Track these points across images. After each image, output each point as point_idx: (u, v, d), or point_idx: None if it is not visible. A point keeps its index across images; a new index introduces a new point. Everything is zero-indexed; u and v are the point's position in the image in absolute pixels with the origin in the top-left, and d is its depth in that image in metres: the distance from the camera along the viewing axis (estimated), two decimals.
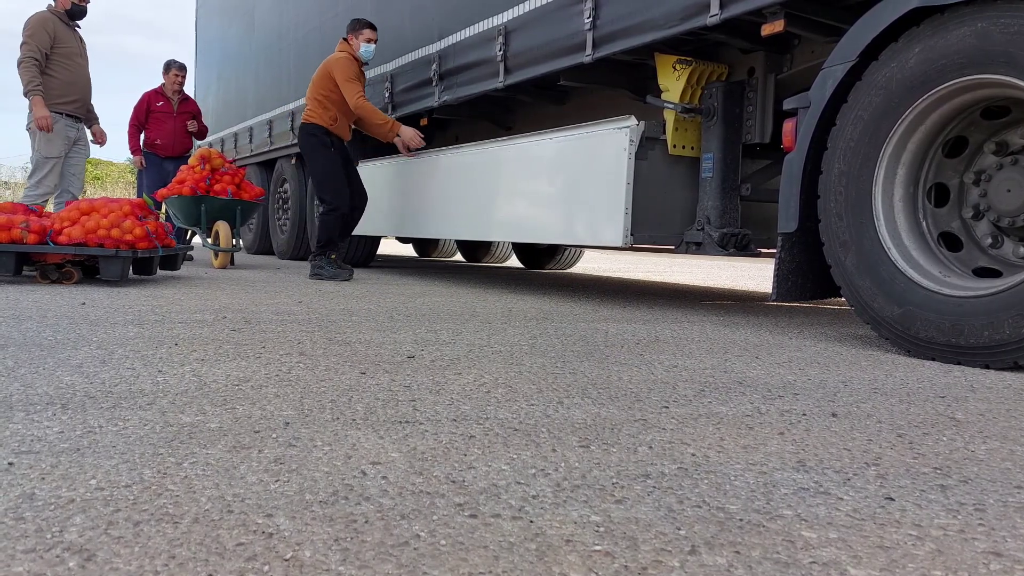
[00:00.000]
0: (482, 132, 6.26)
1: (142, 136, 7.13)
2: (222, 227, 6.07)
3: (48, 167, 5.39)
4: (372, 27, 5.32)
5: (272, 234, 8.64)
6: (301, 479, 1.09)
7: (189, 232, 6.98)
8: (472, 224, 4.94)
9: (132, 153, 7.19)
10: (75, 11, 5.40)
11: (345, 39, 5.36)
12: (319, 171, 5.27)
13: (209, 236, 6.25)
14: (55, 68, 5.36)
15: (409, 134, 5.19)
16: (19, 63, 5.29)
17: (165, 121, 7.05)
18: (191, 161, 6.28)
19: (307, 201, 7.62)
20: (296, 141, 6.45)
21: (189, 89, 15.30)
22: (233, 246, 6.11)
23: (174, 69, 7.10)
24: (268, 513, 0.96)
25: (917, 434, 1.49)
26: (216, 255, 6.20)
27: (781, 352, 2.53)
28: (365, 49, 5.30)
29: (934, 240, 2.58)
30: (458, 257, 10.64)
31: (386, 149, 6.06)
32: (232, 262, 6.35)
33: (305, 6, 7.62)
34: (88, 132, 5.85)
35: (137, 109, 7.09)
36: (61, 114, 5.44)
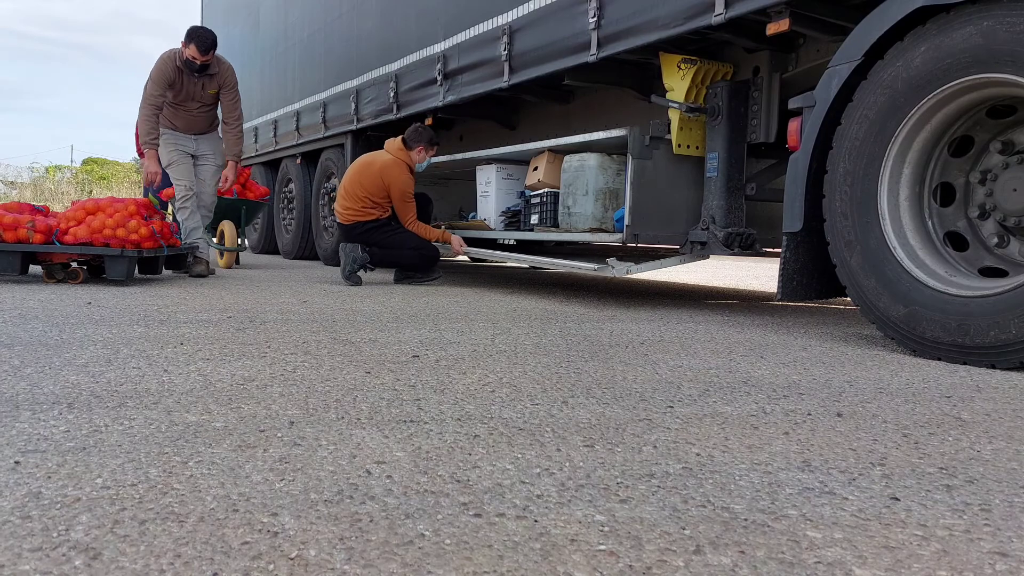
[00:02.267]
0: (487, 132, 6.26)
1: None
2: (227, 226, 6.08)
3: (173, 176, 5.09)
4: (436, 144, 5.09)
5: (277, 234, 8.66)
6: (306, 478, 1.10)
7: None
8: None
9: (139, 155, 7.19)
10: (188, 65, 4.96)
11: (405, 143, 4.99)
12: (409, 240, 4.95)
13: (214, 236, 6.27)
14: (168, 109, 5.06)
15: (455, 244, 4.97)
16: (140, 106, 4.97)
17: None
18: None
19: (312, 201, 7.63)
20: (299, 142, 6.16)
21: None
22: (238, 246, 6.12)
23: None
24: (273, 512, 0.97)
25: (923, 434, 1.48)
26: (221, 255, 6.22)
27: (786, 352, 2.52)
28: (426, 163, 5.07)
29: (940, 240, 2.57)
30: (463, 257, 10.64)
31: None
32: (237, 262, 6.36)
33: (310, 6, 7.63)
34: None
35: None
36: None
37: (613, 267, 3.63)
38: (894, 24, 2.48)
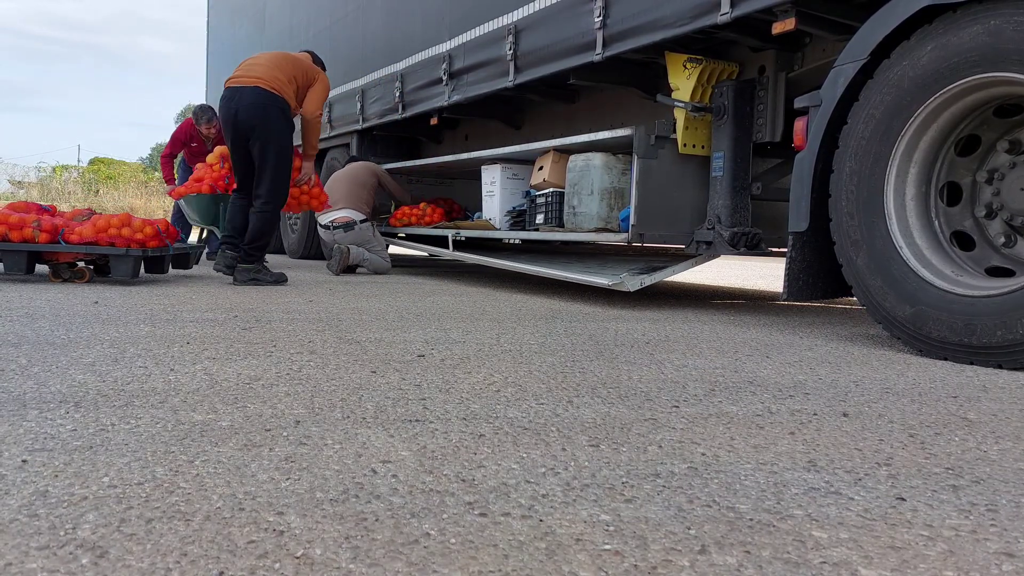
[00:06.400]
0: (492, 131, 6.26)
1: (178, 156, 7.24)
2: None
3: None
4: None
5: (283, 234, 8.67)
6: (312, 477, 1.10)
7: (204, 231, 7.00)
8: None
9: (166, 182, 7.24)
10: None
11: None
12: (283, 156, 4.43)
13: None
14: None
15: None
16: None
17: (199, 156, 7.03)
18: (209, 159, 6.29)
19: None
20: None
21: (200, 87, 15.44)
22: None
23: (204, 123, 6.93)
24: (279, 511, 0.97)
25: (929, 434, 1.48)
26: None
27: (792, 351, 2.52)
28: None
29: (946, 239, 2.56)
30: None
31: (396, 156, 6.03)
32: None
33: (315, 6, 7.64)
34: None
35: (174, 140, 7.12)
36: None
37: (626, 283, 3.64)
38: (900, 23, 2.47)
